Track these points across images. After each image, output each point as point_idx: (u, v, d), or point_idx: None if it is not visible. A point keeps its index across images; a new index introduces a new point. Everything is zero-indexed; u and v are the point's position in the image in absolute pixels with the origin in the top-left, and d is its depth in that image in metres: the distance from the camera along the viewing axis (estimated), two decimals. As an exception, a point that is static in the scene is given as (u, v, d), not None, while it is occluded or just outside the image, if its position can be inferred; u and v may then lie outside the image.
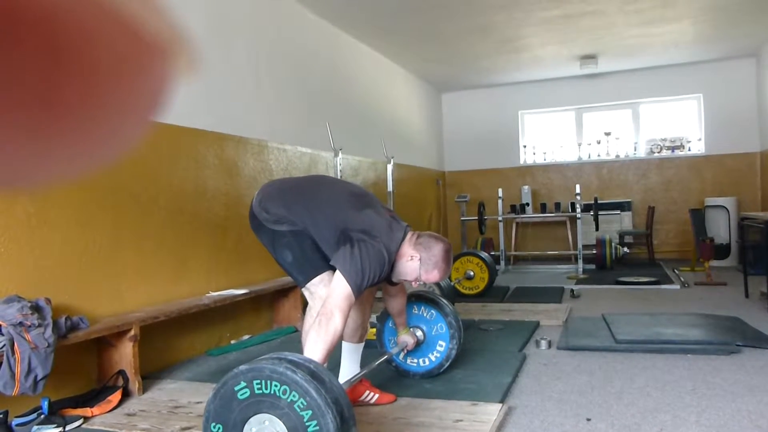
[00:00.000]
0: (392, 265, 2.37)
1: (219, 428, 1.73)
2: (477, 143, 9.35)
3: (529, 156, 9.31)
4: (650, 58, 7.86)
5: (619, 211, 8.41)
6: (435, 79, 8.70)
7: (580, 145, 9.05)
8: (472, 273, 5.56)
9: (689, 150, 8.57)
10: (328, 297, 2.17)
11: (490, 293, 5.57)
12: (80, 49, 0.23)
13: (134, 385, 2.99)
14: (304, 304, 4.44)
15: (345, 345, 2.67)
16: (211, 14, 4.10)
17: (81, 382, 3.00)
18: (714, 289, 5.73)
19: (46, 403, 2.58)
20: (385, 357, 2.77)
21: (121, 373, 3.00)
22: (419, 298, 3.03)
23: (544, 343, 3.63)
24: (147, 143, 3.54)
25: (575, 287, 5.94)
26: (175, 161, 3.75)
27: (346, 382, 2.42)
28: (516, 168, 9.25)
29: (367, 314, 2.73)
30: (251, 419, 1.69)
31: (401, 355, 3.03)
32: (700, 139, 8.49)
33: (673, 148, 8.64)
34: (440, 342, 3.00)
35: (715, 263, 6.78)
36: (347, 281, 2.17)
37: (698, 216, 6.92)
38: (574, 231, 8.02)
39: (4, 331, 2.46)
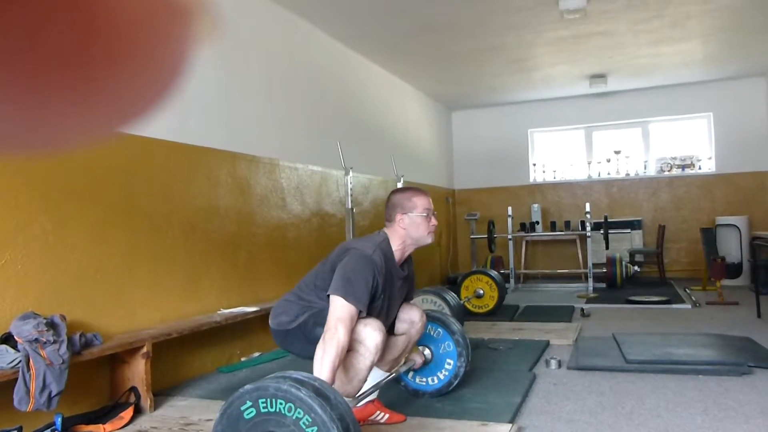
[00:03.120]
0: (400, 253, 2.48)
1: None
2: (487, 161, 9.38)
3: (538, 174, 9.33)
4: (660, 77, 7.89)
5: (629, 230, 8.40)
6: (445, 97, 8.76)
7: (590, 163, 9.06)
8: (481, 291, 5.56)
9: (699, 169, 8.56)
10: (329, 315, 2.20)
11: (500, 312, 5.57)
12: (103, 8, 0.23)
13: (146, 401, 3.01)
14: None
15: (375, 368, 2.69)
16: (226, 35, 4.18)
17: (93, 399, 3.03)
18: (725, 309, 5.69)
19: (59, 419, 2.61)
20: (392, 375, 2.78)
21: (133, 389, 3.03)
22: (426, 317, 3.04)
23: (554, 363, 3.62)
24: (161, 162, 3.60)
25: (585, 306, 5.92)
26: (188, 179, 3.81)
27: (360, 395, 2.42)
28: (526, 186, 9.26)
29: (410, 345, 2.75)
30: None
31: (410, 375, 3.04)
32: (710, 158, 8.48)
33: (683, 167, 8.64)
34: (448, 360, 3.00)
35: (726, 282, 6.74)
36: (338, 295, 2.21)
37: (709, 235, 6.90)
38: (584, 249, 8.01)
39: (20, 347, 2.50)
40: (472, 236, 8.54)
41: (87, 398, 2.99)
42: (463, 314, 4.52)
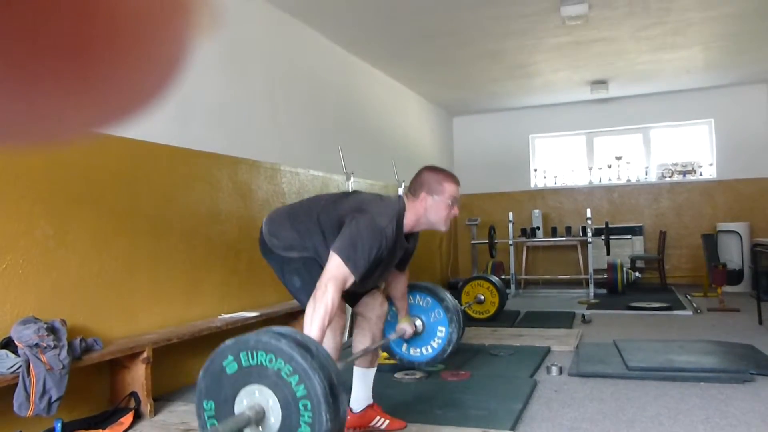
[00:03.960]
0: (410, 227, 2.45)
1: (211, 405, 1.72)
2: (488, 167, 9.38)
3: (539, 180, 9.33)
4: (661, 84, 7.89)
5: (630, 236, 8.38)
6: (447, 103, 8.77)
7: (591, 169, 9.06)
8: (482, 297, 5.55)
9: (701, 175, 8.55)
10: (323, 274, 2.16)
11: (501, 318, 5.56)
12: (102, 0, 0.23)
13: (146, 407, 3.00)
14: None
15: (356, 370, 2.68)
16: (227, 39, 4.19)
17: (93, 404, 3.02)
18: (727, 316, 5.68)
19: (59, 424, 2.60)
20: (381, 342, 2.73)
21: (133, 395, 3.02)
22: (413, 287, 3.01)
23: (555, 370, 3.61)
24: (163, 166, 3.60)
25: (586, 312, 5.91)
26: (190, 184, 3.81)
27: (356, 401, 2.41)
28: (527, 192, 9.26)
29: (377, 337, 2.70)
30: (241, 392, 1.68)
31: (404, 347, 3.01)
32: (711, 164, 8.48)
33: (684, 173, 8.63)
34: (440, 328, 2.98)
35: (727, 289, 6.73)
36: (339, 256, 2.16)
37: (710, 241, 6.89)
38: (585, 255, 8.00)
39: (20, 352, 2.49)
40: (473, 241, 8.53)
41: (87, 403, 2.98)
42: (465, 320, 4.49)
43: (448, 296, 3.00)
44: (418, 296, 3.01)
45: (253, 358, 1.66)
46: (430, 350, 3.01)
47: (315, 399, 1.58)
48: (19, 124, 0.25)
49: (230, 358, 1.69)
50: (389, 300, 2.86)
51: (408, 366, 3.05)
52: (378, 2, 4.80)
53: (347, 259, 2.16)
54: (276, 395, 1.64)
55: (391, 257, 2.45)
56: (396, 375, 3.60)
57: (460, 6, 4.93)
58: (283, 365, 1.61)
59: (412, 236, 2.60)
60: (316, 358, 1.64)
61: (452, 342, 2.96)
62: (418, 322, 2.98)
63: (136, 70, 0.26)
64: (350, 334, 2.82)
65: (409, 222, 2.46)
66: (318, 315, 2.04)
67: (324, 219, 2.39)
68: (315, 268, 2.42)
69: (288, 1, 4.67)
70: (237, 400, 1.68)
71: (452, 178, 2.50)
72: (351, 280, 2.17)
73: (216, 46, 4.06)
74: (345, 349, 2.60)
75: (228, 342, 1.70)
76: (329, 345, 2.34)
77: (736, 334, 4.70)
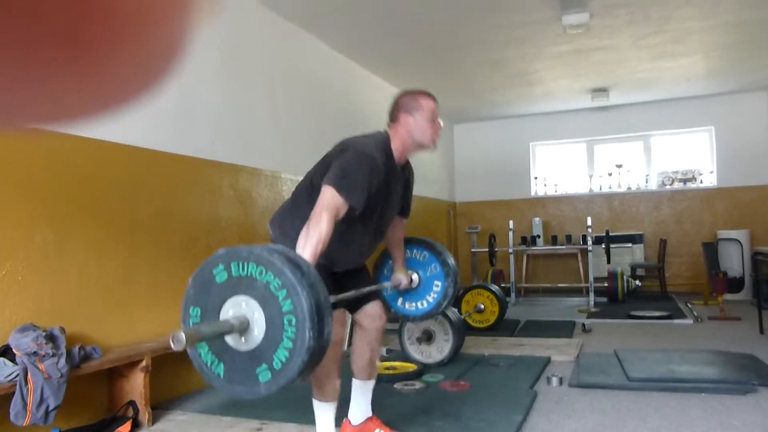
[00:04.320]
0: (399, 153, 2.42)
1: (197, 312, 1.72)
2: (488, 174, 9.38)
3: (540, 187, 9.33)
4: (662, 91, 7.90)
5: (630, 244, 8.37)
6: (447, 110, 8.77)
7: (591, 176, 9.06)
8: (482, 306, 5.54)
9: (701, 182, 8.55)
10: (316, 204, 2.12)
11: (501, 326, 5.54)
12: None
13: (144, 416, 2.99)
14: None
15: (354, 382, 2.65)
16: (228, 47, 4.19)
17: (91, 412, 3.00)
18: (728, 324, 5.66)
19: (57, 433, 2.59)
20: (375, 287, 2.69)
21: (132, 403, 3.01)
22: (410, 241, 2.99)
23: (555, 380, 3.60)
24: (164, 174, 3.59)
25: (587, 321, 5.89)
26: (190, 192, 3.80)
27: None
28: (527, 199, 9.26)
29: (375, 350, 2.66)
30: (228, 301, 1.67)
31: (399, 301, 2.99)
32: (712, 172, 8.47)
33: (684, 181, 8.63)
34: (436, 282, 2.93)
35: (728, 297, 6.71)
36: (330, 185, 2.13)
37: (711, 249, 6.88)
38: (585, 263, 7.98)
39: (18, 360, 2.48)
40: (473, 249, 8.52)
41: (84, 412, 2.96)
42: (465, 329, 4.49)
43: (445, 251, 2.97)
44: (415, 250, 2.97)
45: (243, 269, 1.65)
46: (425, 304, 2.95)
47: (300, 315, 1.57)
48: (19, 108, 0.24)
49: (221, 267, 1.68)
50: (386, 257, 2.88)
51: (403, 319, 3.01)
52: (379, 10, 4.81)
53: (339, 188, 2.13)
54: (262, 308, 1.63)
55: (390, 192, 2.42)
56: (395, 385, 3.58)
57: (461, 14, 4.94)
58: (273, 279, 1.60)
59: (406, 168, 2.59)
60: (306, 276, 1.62)
61: (447, 297, 2.90)
62: (415, 276, 2.93)
63: (135, 56, 0.26)
64: (349, 344, 2.79)
65: (396, 148, 2.43)
66: (311, 242, 2.02)
67: (318, 180, 2.29)
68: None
69: (289, 8, 4.68)
70: (223, 309, 1.68)
71: (427, 94, 2.49)
72: (344, 209, 2.14)
73: (217, 53, 4.06)
74: (345, 357, 2.58)
75: (220, 251, 1.70)
76: (328, 356, 2.33)
77: (737, 343, 4.68)
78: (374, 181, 2.24)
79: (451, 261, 2.94)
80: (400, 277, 2.83)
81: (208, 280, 1.70)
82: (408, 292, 2.93)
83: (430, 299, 2.95)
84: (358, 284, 2.52)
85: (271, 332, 1.62)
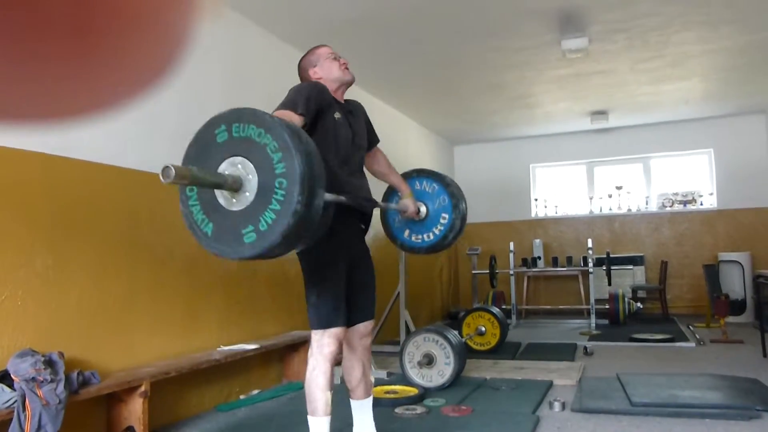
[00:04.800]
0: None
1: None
2: (488, 196, 9.38)
3: (540, 209, 9.33)
4: (661, 114, 7.95)
5: (631, 266, 8.36)
6: (447, 132, 8.82)
7: (591, 198, 9.07)
8: (483, 329, 5.51)
9: (701, 204, 8.56)
10: None
11: (502, 349, 5.50)
12: None
13: (142, 442, 2.95)
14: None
15: (353, 404, 2.63)
16: (229, 67, 4.22)
17: (89, 438, 2.97)
18: (730, 347, 5.63)
19: (54, 460, 2.55)
20: (382, 204, 2.71)
21: (130, 429, 2.97)
22: (420, 172, 2.97)
23: (557, 405, 3.56)
24: (164, 196, 3.60)
25: (588, 344, 5.85)
26: (190, 215, 3.80)
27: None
28: (527, 221, 9.26)
29: (366, 365, 2.62)
30: (225, 161, 1.69)
31: (405, 233, 2.94)
32: (711, 194, 8.49)
33: (684, 203, 8.64)
34: (443, 215, 2.89)
35: (730, 319, 6.68)
36: (276, 109, 2.28)
37: (712, 271, 6.86)
38: (586, 285, 7.96)
39: (16, 386, 2.46)
40: (473, 271, 8.49)
41: (82, 438, 2.93)
42: (466, 352, 4.46)
43: (454, 183, 2.94)
44: (424, 182, 2.94)
45: (243, 131, 1.67)
46: (431, 236, 2.91)
47: (291, 178, 1.58)
48: (25, 103, 0.24)
49: (223, 127, 1.70)
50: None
51: (408, 251, 2.99)
52: (380, 34, 4.85)
53: (283, 106, 2.30)
54: (256, 170, 1.65)
55: (343, 112, 2.53)
56: (396, 410, 3.55)
57: (462, 38, 4.99)
58: (270, 141, 1.62)
59: (352, 104, 2.71)
60: (304, 144, 1.65)
61: (455, 229, 2.87)
62: (423, 208, 2.90)
63: (140, 50, 0.26)
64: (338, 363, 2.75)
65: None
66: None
67: None
68: (311, 260, 2.39)
69: (289, 31, 4.72)
70: (220, 168, 1.70)
71: (318, 45, 2.72)
72: (296, 117, 2.24)
73: (217, 75, 4.09)
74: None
75: (224, 112, 1.72)
76: (322, 369, 2.33)
77: (740, 367, 4.65)
78: (318, 95, 2.40)
79: (460, 193, 2.92)
80: (407, 203, 2.83)
81: (209, 140, 1.73)
82: (415, 223, 2.91)
83: (437, 231, 2.90)
84: (366, 279, 2.55)
85: (262, 195, 1.64)
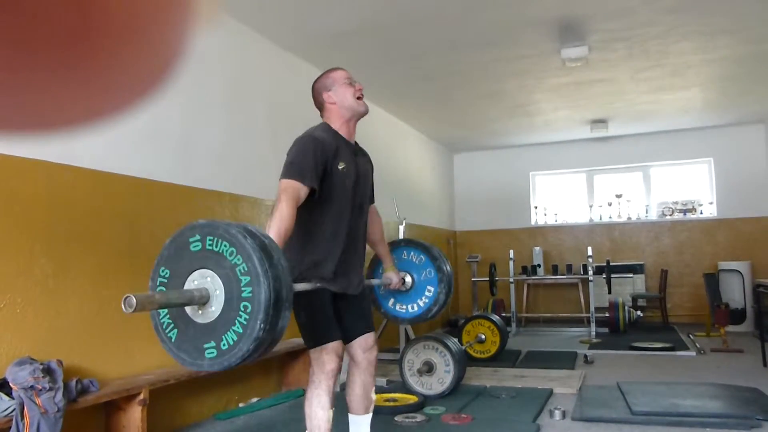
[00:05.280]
0: (346, 128, 2.52)
1: (167, 273, 1.77)
2: (488, 203, 9.40)
3: (540, 217, 9.34)
4: (660, 123, 7.96)
5: (631, 274, 8.35)
6: (447, 140, 8.84)
7: (591, 206, 9.08)
8: (483, 336, 5.50)
9: (701, 213, 8.56)
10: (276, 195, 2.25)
11: (502, 357, 5.49)
12: None
13: (141, 450, 2.94)
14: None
15: (351, 418, 2.61)
16: (230, 78, 4.23)
17: (87, 447, 2.96)
18: (731, 356, 5.62)
19: (52, 469, 2.54)
20: (365, 282, 2.66)
21: (129, 437, 2.96)
22: (408, 243, 2.98)
23: (558, 414, 3.55)
24: (165, 204, 3.60)
25: (588, 352, 5.84)
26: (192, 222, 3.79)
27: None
28: (527, 229, 9.26)
29: (369, 382, 2.58)
30: (196, 272, 1.71)
31: (390, 302, 2.94)
32: (711, 203, 8.49)
33: (684, 211, 8.65)
34: (429, 287, 2.90)
35: (730, 328, 6.67)
36: (282, 178, 2.27)
37: (712, 280, 6.86)
38: (586, 293, 7.95)
39: (15, 394, 2.45)
40: (473, 279, 8.49)
41: (81, 446, 2.92)
42: (466, 359, 4.45)
43: (442, 256, 2.95)
44: (412, 252, 2.95)
45: (216, 245, 1.68)
46: (415, 308, 2.92)
47: (256, 305, 1.60)
48: (16, 112, 0.24)
49: (197, 237, 1.72)
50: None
51: (391, 320, 3.00)
52: (380, 43, 4.87)
53: (290, 176, 2.25)
54: (224, 288, 1.66)
55: (349, 159, 2.45)
56: (396, 418, 3.54)
57: (462, 47, 5.00)
58: (240, 262, 1.63)
59: (360, 150, 2.64)
60: (273, 267, 1.64)
61: (439, 303, 2.88)
62: (408, 278, 2.91)
63: (135, 60, 0.26)
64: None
65: (339, 125, 2.53)
66: (273, 223, 2.13)
67: None
68: (319, 302, 2.35)
69: (290, 40, 4.74)
70: (190, 277, 1.72)
71: (334, 68, 2.62)
72: (304, 189, 2.23)
73: (218, 84, 4.11)
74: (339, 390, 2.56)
75: (201, 221, 1.74)
76: (324, 386, 2.31)
77: (740, 376, 4.64)
78: (323, 155, 2.33)
79: (447, 267, 2.93)
80: (391, 276, 2.82)
81: (183, 245, 1.74)
82: (400, 293, 2.92)
83: (421, 303, 2.92)
84: (360, 312, 2.52)
85: (227, 313, 1.65)
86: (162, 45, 0.26)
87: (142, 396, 2.95)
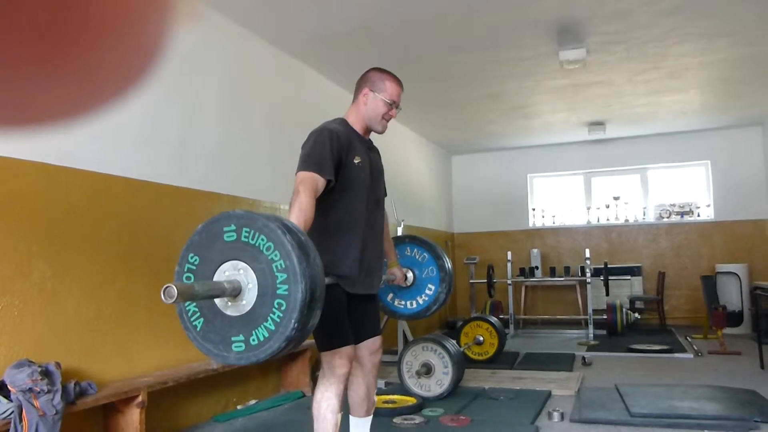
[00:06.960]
0: (360, 126, 2.49)
1: (196, 260, 1.72)
2: (486, 205, 9.40)
3: (538, 219, 9.34)
4: (658, 125, 7.98)
5: (629, 276, 8.35)
6: (446, 142, 8.84)
7: (589, 209, 9.09)
8: (481, 338, 5.50)
9: (698, 216, 8.58)
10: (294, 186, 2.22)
11: (500, 359, 5.50)
12: None
13: (139, 452, 2.93)
14: (312, 368, 4.39)
15: (352, 420, 2.61)
16: (228, 80, 4.23)
17: (85, 449, 2.95)
18: (728, 359, 5.63)
19: (50, 471, 2.53)
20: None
21: (127, 440, 2.95)
22: (413, 239, 2.98)
23: (556, 415, 3.55)
24: (163, 206, 3.59)
25: (586, 354, 5.85)
26: (189, 224, 3.78)
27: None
28: (525, 231, 9.27)
29: (372, 384, 2.60)
30: (229, 262, 1.66)
31: (389, 297, 2.94)
32: (708, 205, 8.51)
33: (682, 214, 8.66)
34: (429, 285, 2.93)
35: (728, 331, 6.67)
36: (299, 170, 2.22)
37: (709, 283, 6.87)
38: (583, 295, 7.96)
39: (13, 397, 2.44)
40: (471, 280, 8.49)
41: (79, 448, 2.91)
42: (464, 361, 4.45)
43: (444, 256, 2.96)
44: (416, 249, 2.96)
45: (253, 239, 1.63)
46: (414, 305, 2.94)
47: (291, 304, 1.56)
48: None
49: (233, 227, 1.67)
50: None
51: (390, 315, 2.99)
52: (379, 45, 4.87)
53: (306, 167, 2.21)
54: (258, 282, 1.62)
55: (363, 154, 2.44)
56: (394, 419, 3.54)
57: (460, 49, 5.01)
58: (277, 258, 1.59)
59: (373, 146, 2.63)
60: (310, 266, 1.61)
61: (438, 302, 2.91)
62: (410, 275, 2.92)
63: (113, 56, 0.25)
64: None
65: (351, 119, 2.51)
66: (293, 213, 2.10)
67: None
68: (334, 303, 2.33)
69: (288, 42, 4.74)
70: (221, 268, 1.67)
71: (397, 80, 2.54)
72: (322, 180, 2.20)
73: (216, 86, 4.10)
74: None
75: (238, 211, 1.70)
76: (335, 390, 2.30)
77: (738, 378, 4.64)
78: (338, 145, 2.31)
79: (449, 267, 2.93)
80: (395, 272, 2.83)
81: (216, 234, 1.69)
82: (400, 289, 2.92)
83: (421, 301, 2.93)
84: (370, 313, 2.53)
85: (259, 308, 1.61)
86: (142, 39, 0.26)
87: (140, 398, 2.94)
